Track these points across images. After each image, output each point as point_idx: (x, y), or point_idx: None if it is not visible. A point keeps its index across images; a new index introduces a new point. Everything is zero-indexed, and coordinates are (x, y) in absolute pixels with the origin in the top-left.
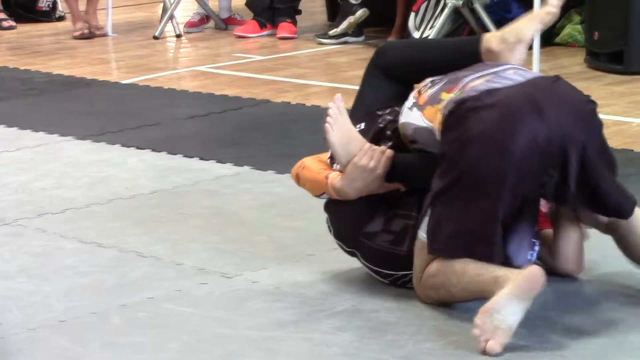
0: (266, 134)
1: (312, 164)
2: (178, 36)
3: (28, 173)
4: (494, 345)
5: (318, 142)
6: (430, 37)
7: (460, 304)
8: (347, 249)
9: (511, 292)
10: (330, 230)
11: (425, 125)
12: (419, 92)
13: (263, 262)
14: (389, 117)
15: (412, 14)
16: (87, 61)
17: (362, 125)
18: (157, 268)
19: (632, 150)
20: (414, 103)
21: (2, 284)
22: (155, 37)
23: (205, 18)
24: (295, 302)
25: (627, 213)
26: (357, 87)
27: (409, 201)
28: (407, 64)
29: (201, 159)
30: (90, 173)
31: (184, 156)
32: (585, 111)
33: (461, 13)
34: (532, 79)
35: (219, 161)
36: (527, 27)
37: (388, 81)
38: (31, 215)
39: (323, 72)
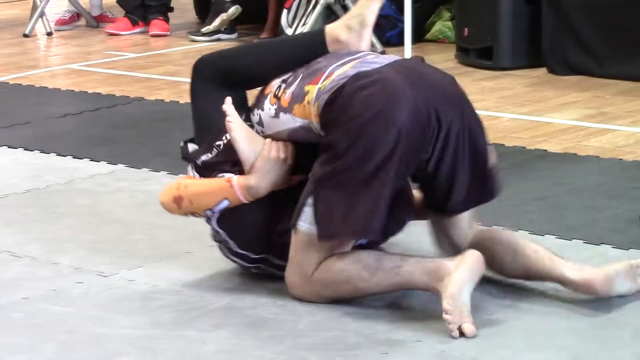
0: (140, 132)
1: (194, 180)
2: (49, 34)
3: None
4: (471, 327)
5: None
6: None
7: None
8: (255, 257)
9: (466, 276)
10: (225, 247)
11: (299, 124)
12: (276, 97)
13: (139, 260)
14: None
15: (285, 11)
16: None
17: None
18: (32, 268)
19: (503, 145)
20: (276, 109)
21: None
22: (25, 35)
23: (76, 15)
24: (172, 300)
25: (459, 211)
26: None
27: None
28: (245, 68)
29: (75, 157)
30: None
31: (57, 155)
32: (455, 90)
33: (333, 10)
34: (398, 60)
35: (93, 159)
36: (368, 10)
37: (222, 90)
38: None
39: None
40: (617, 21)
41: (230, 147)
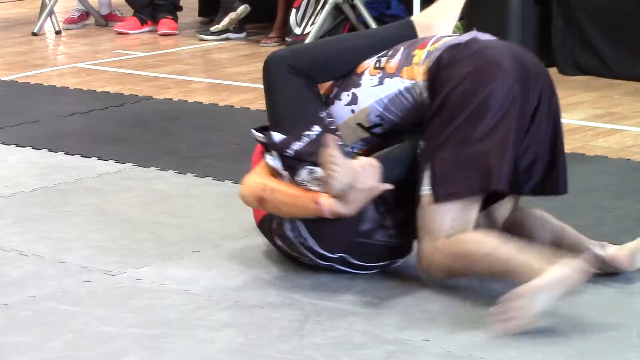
0: (148, 131)
1: (282, 187)
2: (57, 32)
3: None
4: (511, 326)
5: (200, 138)
6: (312, 34)
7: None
8: (333, 256)
9: (548, 284)
10: (302, 244)
11: (406, 85)
12: (378, 68)
13: (146, 259)
14: (329, 119)
15: (294, 11)
16: None
17: (318, 128)
18: (39, 266)
19: None
20: (380, 77)
21: None
22: (34, 34)
23: (85, 14)
24: (179, 299)
25: (563, 190)
26: (238, 84)
27: (386, 196)
28: (341, 57)
29: (83, 156)
30: None
31: (65, 153)
32: (550, 76)
33: (342, 9)
34: (498, 40)
35: (101, 158)
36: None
37: (309, 82)
38: None
39: (204, 69)
40: (625, 23)
41: (321, 141)
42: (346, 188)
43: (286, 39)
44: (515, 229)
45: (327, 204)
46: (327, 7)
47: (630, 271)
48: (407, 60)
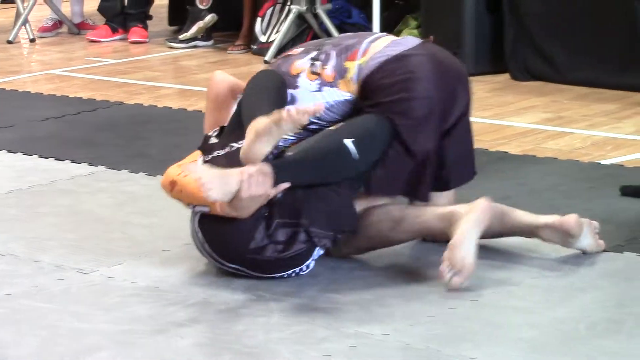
0: (120, 135)
1: (193, 174)
2: (32, 40)
3: None
4: (458, 279)
5: (170, 142)
6: (276, 42)
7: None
8: (231, 265)
9: (471, 225)
10: (203, 246)
11: (347, 98)
12: (314, 73)
13: (118, 258)
14: None
15: (259, 19)
16: None
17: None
18: (14, 265)
19: None
20: (319, 84)
21: None
22: (9, 42)
23: (58, 23)
24: (150, 296)
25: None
26: (206, 89)
27: (285, 208)
28: None
29: (57, 159)
30: None
31: (40, 157)
32: (466, 75)
33: (305, 18)
34: (420, 43)
35: (74, 161)
36: None
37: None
38: None
39: (174, 75)
40: (574, 30)
41: (236, 155)
42: (227, 197)
43: (252, 46)
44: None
45: (219, 205)
46: (291, 16)
47: (578, 236)
48: (342, 72)
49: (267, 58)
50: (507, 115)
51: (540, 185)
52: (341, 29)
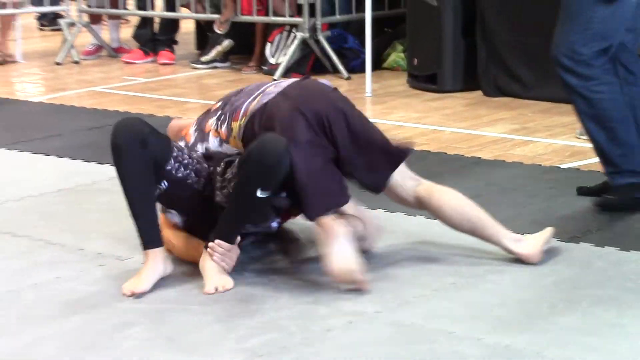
0: None
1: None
2: (76, 62)
3: None
4: (365, 287)
5: None
6: (283, 63)
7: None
8: None
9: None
10: None
11: (235, 151)
12: (217, 132)
13: None
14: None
15: (269, 44)
16: (1, 83)
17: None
18: (62, 253)
19: (446, 153)
20: (219, 141)
21: None
22: (57, 63)
23: (99, 47)
24: (177, 280)
25: (377, 190)
26: None
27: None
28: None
29: (98, 163)
30: (5, 175)
31: (83, 161)
32: (335, 95)
33: (308, 44)
34: (289, 84)
35: (113, 165)
36: None
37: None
38: None
39: (197, 92)
40: (538, 52)
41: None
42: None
43: (263, 67)
44: (435, 211)
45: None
46: (296, 42)
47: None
48: (230, 132)
49: (275, 77)
50: (480, 126)
51: (508, 185)
52: (339, 53)
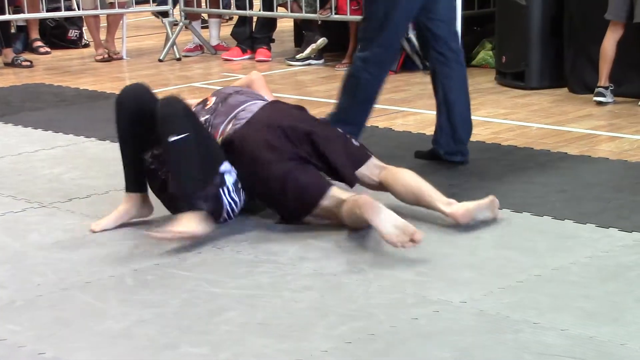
0: None
1: None
2: (178, 59)
3: (60, 166)
4: (419, 235)
5: None
6: None
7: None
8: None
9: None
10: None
11: None
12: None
13: (244, 236)
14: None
15: None
16: (107, 79)
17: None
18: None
19: (532, 148)
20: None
21: (40, 253)
22: (160, 60)
23: (199, 46)
24: (270, 267)
25: (351, 183)
26: (317, 99)
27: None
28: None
29: None
30: (109, 166)
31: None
32: (299, 113)
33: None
34: (258, 110)
35: None
36: None
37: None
38: (63, 199)
39: (292, 87)
40: (623, 51)
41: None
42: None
43: None
44: (390, 190)
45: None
46: None
47: (468, 223)
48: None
49: None
50: (566, 122)
51: (594, 180)
52: None
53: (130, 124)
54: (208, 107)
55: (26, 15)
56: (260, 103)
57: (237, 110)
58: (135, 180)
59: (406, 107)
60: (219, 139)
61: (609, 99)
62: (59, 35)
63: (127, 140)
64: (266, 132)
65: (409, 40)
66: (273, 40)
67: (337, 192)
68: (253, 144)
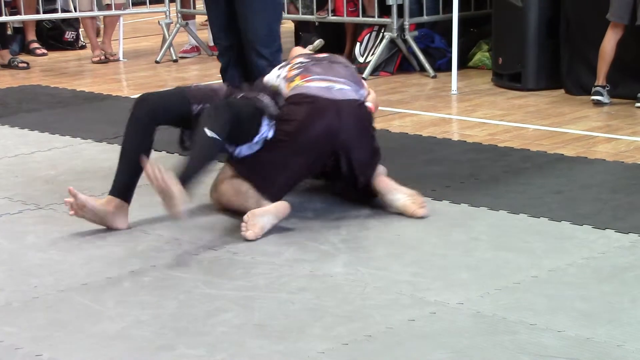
0: None
1: None
2: (175, 61)
3: (57, 168)
4: (252, 233)
5: None
6: (372, 62)
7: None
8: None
9: (270, 211)
10: None
11: (284, 92)
12: (288, 69)
13: (240, 237)
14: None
15: (358, 44)
16: (103, 80)
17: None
18: (159, 243)
19: (529, 150)
20: (284, 77)
21: (37, 255)
22: (156, 62)
23: (196, 47)
24: (266, 269)
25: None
26: None
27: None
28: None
29: None
30: (105, 168)
31: (180, 155)
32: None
33: (396, 43)
34: (342, 99)
35: None
36: None
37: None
38: (59, 201)
39: None
40: (620, 52)
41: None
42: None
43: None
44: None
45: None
46: (384, 42)
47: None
48: (292, 79)
49: (364, 75)
50: (563, 124)
51: (590, 181)
52: (426, 52)
53: (148, 134)
54: (316, 56)
55: (23, 17)
56: (351, 95)
57: (335, 80)
58: (125, 188)
59: (403, 108)
60: (301, 81)
61: (605, 98)
62: (55, 36)
63: (136, 149)
64: (325, 132)
65: (405, 42)
66: None
67: None
68: (312, 126)
